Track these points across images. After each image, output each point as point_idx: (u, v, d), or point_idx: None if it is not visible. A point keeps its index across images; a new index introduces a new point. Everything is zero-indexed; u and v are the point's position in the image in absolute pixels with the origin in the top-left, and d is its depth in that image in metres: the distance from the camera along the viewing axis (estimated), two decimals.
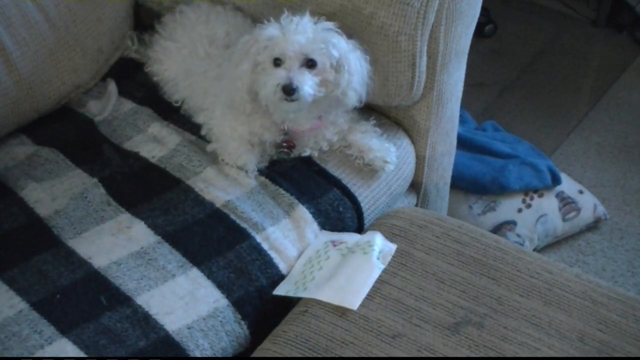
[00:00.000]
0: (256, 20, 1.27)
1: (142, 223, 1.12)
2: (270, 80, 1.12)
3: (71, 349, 0.96)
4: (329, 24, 1.16)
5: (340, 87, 1.15)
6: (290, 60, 1.12)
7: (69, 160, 1.24)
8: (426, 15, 1.16)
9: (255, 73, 1.15)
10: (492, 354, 0.95)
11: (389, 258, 1.08)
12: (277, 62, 1.12)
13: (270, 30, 1.14)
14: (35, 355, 0.95)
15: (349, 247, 1.11)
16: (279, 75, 1.11)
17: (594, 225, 1.79)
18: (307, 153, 1.24)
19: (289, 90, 1.10)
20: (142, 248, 1.09)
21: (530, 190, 1.73)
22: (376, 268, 1.06)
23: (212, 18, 1.32)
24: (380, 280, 1.05)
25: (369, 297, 1.03)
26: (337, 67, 1.15)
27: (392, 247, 1.09)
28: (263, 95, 1.14)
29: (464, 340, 0.97)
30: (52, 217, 1.13)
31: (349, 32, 1.19)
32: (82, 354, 0.96)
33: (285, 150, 1.23)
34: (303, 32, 1.12)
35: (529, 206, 1.72)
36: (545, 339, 0.97)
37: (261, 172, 1.22)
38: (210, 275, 1.07)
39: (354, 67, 1.15)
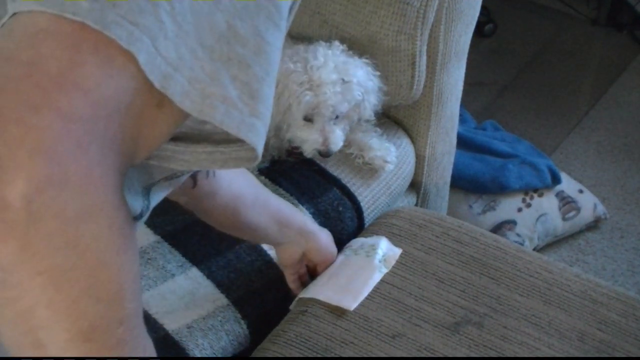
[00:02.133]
0: None
1: (141, 222, 1.12)
2: (306, 142, 1.18)
3: None
4: (350, 61, 1.17)
5: (359, 116, 1.21)
6: (321, 119, 1.16)
7: None
8: (426, 14, 1.16)
9: (284, 114, 1.18)
10: (492, 354, 0.95)
11: (392, 262, 1.07)
12: (308, 118, 1.16)
13: (306, 96, 1.14)
14: None
15: (353, 249, 1.11)
16: (314, 139, 1.17)
17: (594, 225, 1.79)
18: (310, 155, 1.24)
19: (325, 154, 1.18)
20: (141, 248, 1.09)
21: (530, 190, 1.73)
22: (377, 271, 1.05)
23: None
24: (380, 280, 1.04)
25: (369, 297, 1.02)
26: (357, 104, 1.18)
27: (397, 251, 1.09)
28: (294, 140, 1.20)
29: (464, 340, 0.97)
30: None
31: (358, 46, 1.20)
32: None
33: (297, 155, 1.24)
34: (333, 91, 1.14)
35: (528, 205, 1.72)
36: (545, 338, 0.97)
37: (261, 171, 1.22)
38: (209, 275, 1.07)
39: (370, 88, 1.18)
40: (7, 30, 0.42)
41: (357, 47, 1.20)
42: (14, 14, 0.42)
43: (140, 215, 0.65)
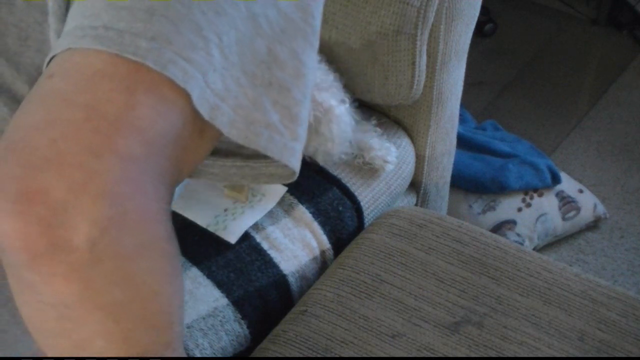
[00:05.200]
0: None
1: None
2: None
3: None
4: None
5: (309, 150, 1.16)
6: None
7: None
8: (426, 14, 1.16)
9: None
10: (491, 354, 0.95)
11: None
12: None
13: None
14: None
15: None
16: None
17: (594, 225, 1.79)
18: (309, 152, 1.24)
19: None
20: None
21: (530, 190, 1.73)
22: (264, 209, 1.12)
23: None
24: (380, 280, 1.05)
25: (369, 296, 1.02)
26: (310, 129, 1.13)
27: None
28: None
29: (464, 340, 0.97)
30: None
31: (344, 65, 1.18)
32: None
33: None
34: None
35: (528, 205, 1.72)
36: (545, 338, 0.97)
37: None
38: (209, 275, 1.07)
39: (335, 132, 1.13)
40: (63, 69, 0.43)
41: (356, 47, 1.20)
42: (68, 49, 0.43)
43: None
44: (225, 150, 0.53)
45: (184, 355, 0.50)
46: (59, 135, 0.40)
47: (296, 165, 0.50)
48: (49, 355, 0.44)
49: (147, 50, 0.42)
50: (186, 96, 0.43)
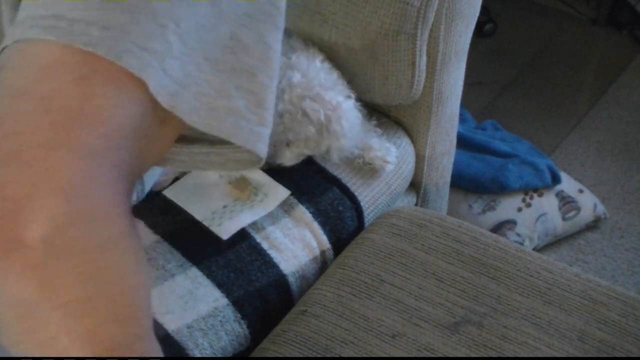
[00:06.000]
0: None
1: (142, 222, 1.12)
2: None
3: None
4: (320, 77, 1.13)
5: (321, 149, 1.16)
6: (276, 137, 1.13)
7: None
8: (426, 14, 1.16)
9: None
10: (492, 354, 0.95)
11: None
12: None
13: None
14: None
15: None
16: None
17: (594, 225, 1.79)
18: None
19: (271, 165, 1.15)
20: None
21: (530, 190, 1.73)
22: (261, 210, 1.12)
23: None
24: (380, 280, 1.05)
25: (369, 296, 1.02)
26: (321, 128, 1.13)
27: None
28: None
29: (464, 340, 0.97)
30: None
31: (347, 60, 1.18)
32: None
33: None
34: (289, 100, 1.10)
35: (528, 205, 1.72)
36: (545, 338, 0.97)
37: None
38: (209, 275, 1.07)
39: (346, 127, 1.14)
40: (15, 62, 0.42)
41: (356, 47, 1.20)
42: (16, 41, 0.42)
43: (137, 201, 0.66)
44: (192, 137, 0.51)
45: (157, 346, 0.48)
46: (13, 130, 0.39)
47: (263, 150, 0.48)
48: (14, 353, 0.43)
49: (100, 39, 0.40)
50: (144, 85, 0.41)
